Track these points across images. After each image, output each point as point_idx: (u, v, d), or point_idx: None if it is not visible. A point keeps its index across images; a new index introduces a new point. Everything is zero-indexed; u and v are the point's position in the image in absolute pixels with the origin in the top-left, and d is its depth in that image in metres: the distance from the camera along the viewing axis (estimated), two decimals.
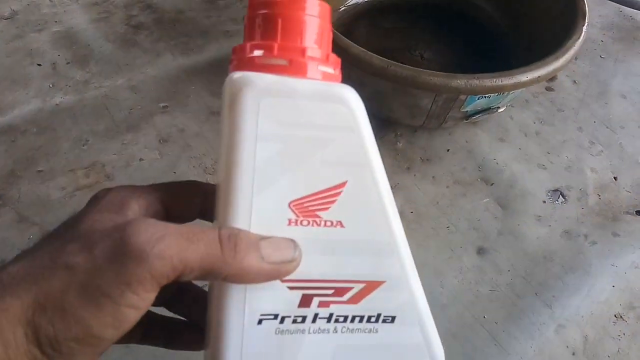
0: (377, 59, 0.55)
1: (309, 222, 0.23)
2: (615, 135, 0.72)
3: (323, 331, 0.23)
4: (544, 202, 0.64)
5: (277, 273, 0.23)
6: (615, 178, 0.67)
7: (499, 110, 0.66)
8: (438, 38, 0.80)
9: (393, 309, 0.24)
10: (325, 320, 0.23)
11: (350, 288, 0.24)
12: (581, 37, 0.60)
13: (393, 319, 0.24)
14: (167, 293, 0.27)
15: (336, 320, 0.23)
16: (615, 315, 0.55)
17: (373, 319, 0.24)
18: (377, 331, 0.24)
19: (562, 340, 0.52)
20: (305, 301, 0.23)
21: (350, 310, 0.24)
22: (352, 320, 0.24)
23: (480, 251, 0.59)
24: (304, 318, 0.23)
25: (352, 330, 0.24)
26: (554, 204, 0.64)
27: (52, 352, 0.19)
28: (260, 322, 0.23)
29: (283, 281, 0.23)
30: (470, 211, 0.62)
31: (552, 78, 0.79)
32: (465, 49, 0.79)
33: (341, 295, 0.24)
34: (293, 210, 0.23)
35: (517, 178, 0.66)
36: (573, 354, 0.52)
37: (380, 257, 0.24)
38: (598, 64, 0.82)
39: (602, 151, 0.70)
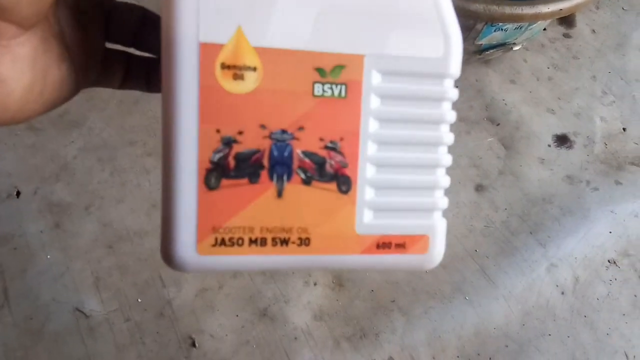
0: None
1: None
2: (629, 87, 0.70)
3: None
4: (549, 145, 0.62)
5: None
6: (624, 129, 0.65)
7: (514, 49, 0.63)
8: None
9: None
10: None
11: None
12: None
13: None
14: (130, 29, 0.24)
15: None
16: (609, 261, 0.54)
17: None
18: None
19: (553, 278, 0.52)
20: None
21: None
22: None
23: (479, 188, 0.57)
24: None
25: None
26: (559, 149, 0.62)
27: None
28: None
29: None
30: (472, 149, 0.61)
31: (571, 24, 0.76)
32: None
33: None
34: None
35: (524, 120, 0.64)
36: (562, 293, 0.51)
37: None
38: (619, 15, 0.79)
39: (614, 102, 0.68)
